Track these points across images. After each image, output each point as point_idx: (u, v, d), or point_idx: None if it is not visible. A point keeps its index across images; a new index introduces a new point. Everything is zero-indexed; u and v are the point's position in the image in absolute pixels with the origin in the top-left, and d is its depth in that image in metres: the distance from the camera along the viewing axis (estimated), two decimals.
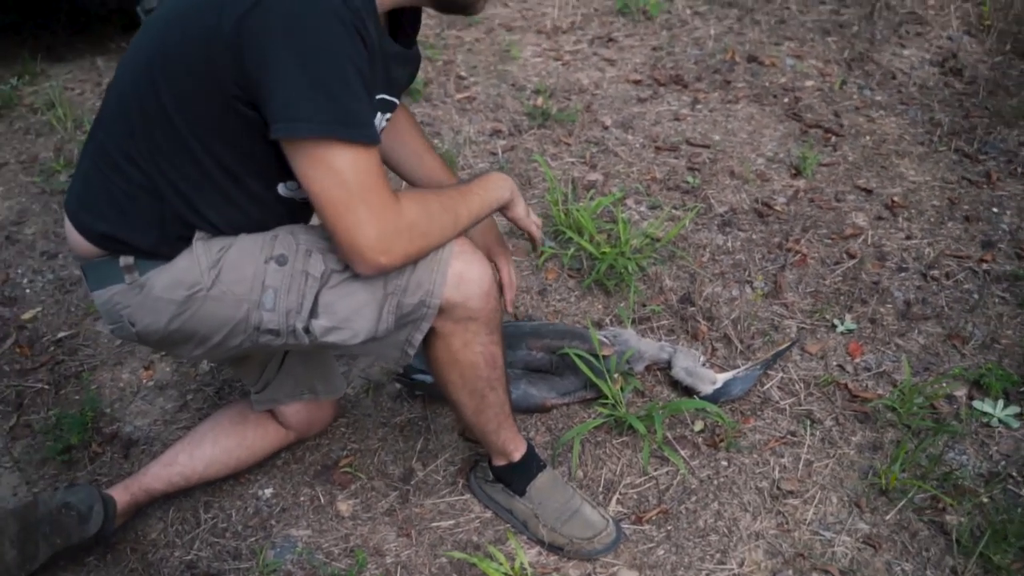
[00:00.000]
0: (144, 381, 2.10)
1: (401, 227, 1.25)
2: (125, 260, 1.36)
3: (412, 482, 1.81)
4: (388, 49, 1.31)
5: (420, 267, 1.35)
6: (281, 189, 1.38)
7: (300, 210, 1.45)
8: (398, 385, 2.03)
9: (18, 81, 3.56)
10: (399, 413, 1.98)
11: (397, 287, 1.36)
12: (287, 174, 1.29)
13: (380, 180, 1.23)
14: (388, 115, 1.39)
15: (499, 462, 1.68)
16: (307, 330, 1.37)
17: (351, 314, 1.36)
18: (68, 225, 1.41)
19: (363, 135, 1.19)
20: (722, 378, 1.92)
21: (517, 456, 1.66)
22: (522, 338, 1.96)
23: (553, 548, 1.65)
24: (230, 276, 1.36)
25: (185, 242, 1.36)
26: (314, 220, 1.46)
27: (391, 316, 1.37)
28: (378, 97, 1.31)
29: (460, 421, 1.63)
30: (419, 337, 1.42)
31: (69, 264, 2.50)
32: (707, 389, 1.90)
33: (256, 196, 1.37)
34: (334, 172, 1.18)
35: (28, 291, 2.41)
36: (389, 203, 1.23)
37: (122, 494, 1.63)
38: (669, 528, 1.69)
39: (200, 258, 1.35)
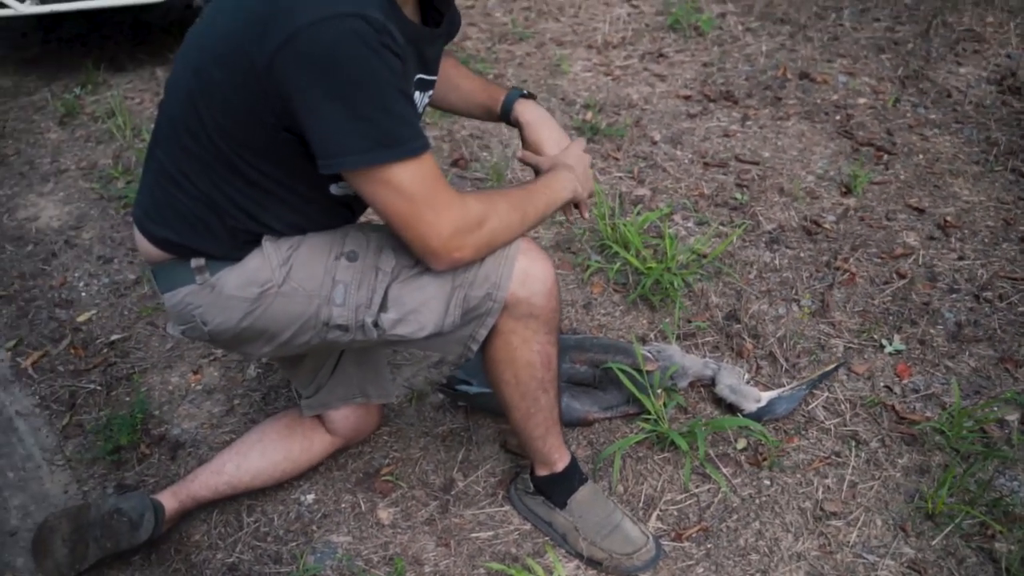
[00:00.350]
0: (192, 385, 2.14)
1: (470, 222, 1.31)
2: (196, 262, 1.40)
3: (452, 492, 1.82)
4: (418, 36, 1.34)
5: (488, 262, 1.39)
6: (333, 189, 1.41)
7: (357, 203, 1.49)
8: (441, 395, 2.05)
9: (81, 90, 3.68)
10: (441, 423, 1.99)
11: (465, 280, 1.39)
12: (336, 176, 1.34)
13: (438, 183, 1.27)
14: (429, 92, 1.45)
15: (541, 472, 1.68)
16: (376, 324, 1.40)
17: (419, 307, 1.39)
18: (136, 233, 1.45)
19: (410, 150, 1.22)
20: (766, 396, 1.90)
21: (560, 466, 1.66)
22: (566, 351, 1.97)
23: (592, 563, 1.64)
24: (301, 273, 1.40)
25: (254, 244, 1.40)
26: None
27: (458, 309, 1.40)
28: (416, 78, 1.36)
29: (510, 424, 1.63)
30: (483, 333, 1.44)
31: (124, 268, 2.57)
32: (751, 407, 1.88)
33: (311, 199, 1.40)
34: (392, 189, 1.24)
35: (84, 294, 2.48)
36: (454, 202, 1.29)
37: (170, 500, 1.67)
38: (709, 546, 1.68)
39: (271, 257, 1.39)
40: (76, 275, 2.56)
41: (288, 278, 1.39)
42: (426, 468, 1.88)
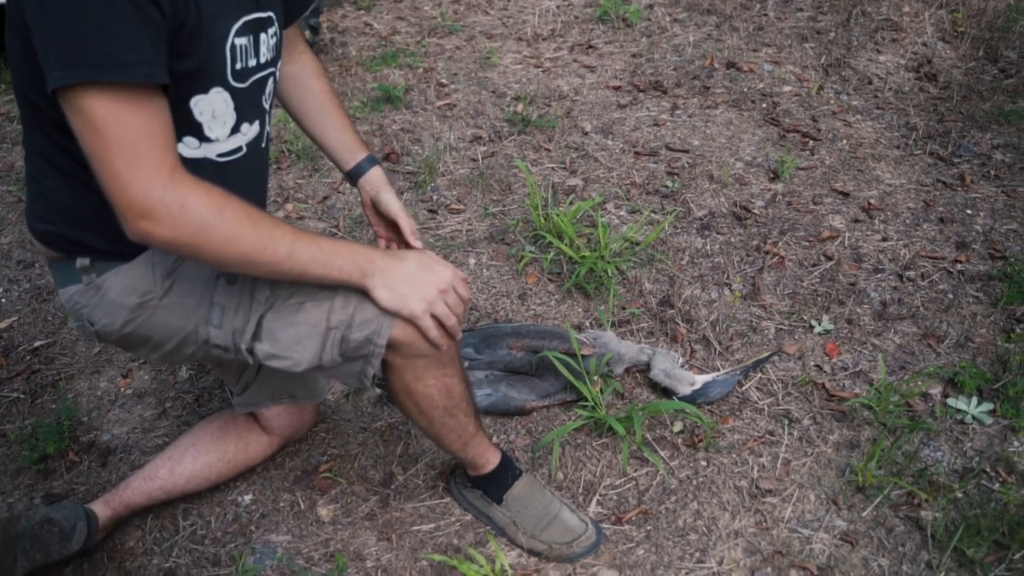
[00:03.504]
0: (122, 389, 2.09)
1: (170, 200, 1.07)
2: (81, 262, 1.34)
3: (392, 486, 1.81)
4: None
5: (365, 305, 1.30)
6: (183, 150, 1.25)
7: (232, 175, 1.33)
8: (378, 390, 2.03)
9: None
10: (379, 418, 1.97)
11: (341, 322, 1.31)
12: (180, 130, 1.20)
13: (151, 134, 1.07)
14: (273, 31, 1.31)
15: (474, 473, 1.68)
16: (251, 351, 1.36)
17: (292, 344, 1.34)
18: (30, 234, 1.41)
19: (116, 72, 1.02)
20: (700, 380, 1.93)
21: (489, 468, 1.65)
22: (502, 338, 1.97)
23: (533, 554, 1.65)
24: (183, 288, 1.35)
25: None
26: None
27: (335, 349, 1.33)
28: (242, 21, 1.23)
29: (437, 442, 1.61)
30: (371, 371, 1.37)
31: (46, 273, 2.48)
32: (685, 391, 1.91)
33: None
34: (84, 120, 1.03)
35: (3, 300, 2.40)
36: (162, 164, 1.07)
37: (103, 509, 1.63)
38: (649, 528, 1.70)
39: (156, 266, 1.34)
40: None
41: (170, 292, 1.35)
42: (365, 463, 1.86)
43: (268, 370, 1.66)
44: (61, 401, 2.04)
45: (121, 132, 1.04)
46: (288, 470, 1.85)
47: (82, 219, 1.30)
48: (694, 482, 1.79)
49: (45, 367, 2.16)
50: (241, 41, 1.25)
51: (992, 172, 2.79)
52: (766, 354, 2.05)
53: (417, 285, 1.29)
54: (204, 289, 1.35)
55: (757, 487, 1.77)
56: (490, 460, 1.65)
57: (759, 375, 2.03)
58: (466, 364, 1.91)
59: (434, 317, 1.31)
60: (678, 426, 1.91)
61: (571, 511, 1.68)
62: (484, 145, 3.00)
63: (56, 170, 1.26)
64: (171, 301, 1.35)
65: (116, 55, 1.01)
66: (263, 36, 1.30)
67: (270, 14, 1.32)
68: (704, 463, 1.82)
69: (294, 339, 1.34)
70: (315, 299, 1.32)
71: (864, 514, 1.70)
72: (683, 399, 1.90)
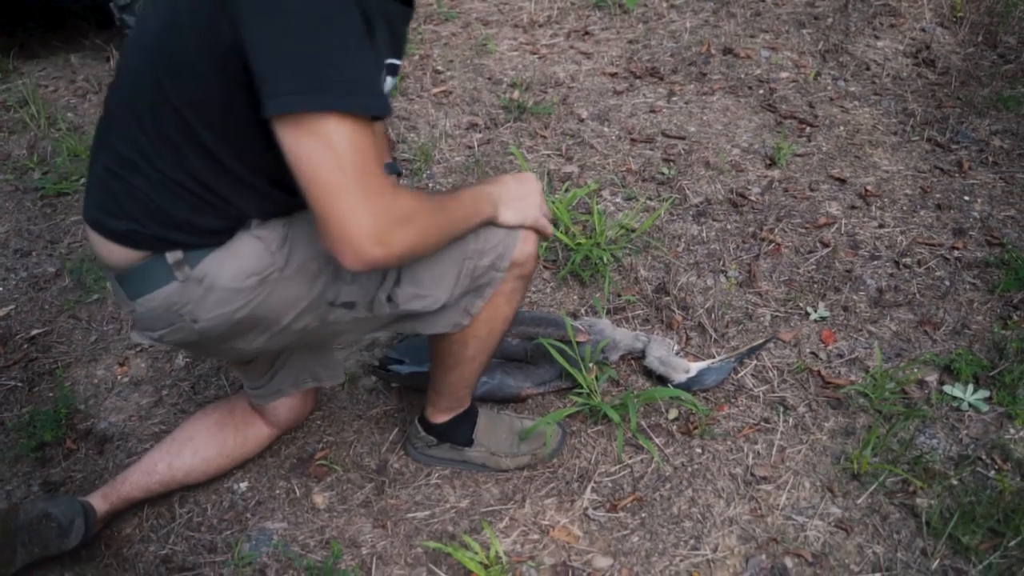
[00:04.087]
0: (119, 377, 2.09)
1: (397, 215, 1.10)
2: (173, 256, 1.26)
3: (387, 474, 1.81)
4: (392, 12, 1.22)
5: (490, 230, 1.40)
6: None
7: None
8: (373, 378, 2.03)
9: None
10: (375, 405, 1.98)
11: (474, 251, 1.39)
12: None
13: (377, 163, 1.08)
14: (395, 80, 1.31)
15: (444, 417, 1.72)
16: (390, 298, 1.36)
17: (435, 280, 1.38)
18: (93, 236, 1.30)
19: (361, 105, 1.04)
20: (695, 367, 1.93)
21: (462, 408, 1.73)
22: None
23: (520, 469, 1.79)
24: (303, 253, 1.30)
25: (230, 228, 1.28)
26: None
27: (466, 280, 1.40)
28: (387, 62, 1.21)
29: (448, 380, 1.64)
30: (480, 303, 1.46)
31: (43, 261, 2.48)
32: (680, 378, 1.91)
33: (284, 184, 1.18)
34: (324, 146, 1.02)
35: (1, 289, 2.39)
36: (385, 189, 1.09)
37: (101, 503, 1.63)
38: (643, 515, 1.70)
39: (266, 240, 1.28)
40: None
41: (290, 260, 1.29)
42: (360, 451, 1.87)
43: (297, 355, 1.65)
44: (58, 389, 2.04)
45: (361, 159, 1.04)
46: (284, 458, 1.86)
47: (173, 219, 1.24)
48: (689, 469, 1.79)
49: (42, 355, 2.16)
50: (389, 81, 1.26)
51: (990, 158, 2.78)
52: (761, 341, 2.05)
53: (525, 197, 1.45)
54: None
55: (752, 474, 1.77)
56: (466, 403, 1.74)
57: (754, 362, 2.03)
58: None
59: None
60: (673, 413, 1.92)
61: (530, 420, 1.83)
62: (480, 132, 2.99)
63: (160, 175, 1.21)
64: (293, 270, 1.30)
65: (363, 86, 1.04)
66: (390, 80, 1.27)
67: (400, 65, 1.33)
68: (699, 450, 1.83)
69: (436, 276, 1.37)
70: None
71: (859, 501, 1.70)
72: (678, 386, 1.90)
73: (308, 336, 1.44)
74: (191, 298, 1.28)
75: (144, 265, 1.27)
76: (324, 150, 1.02)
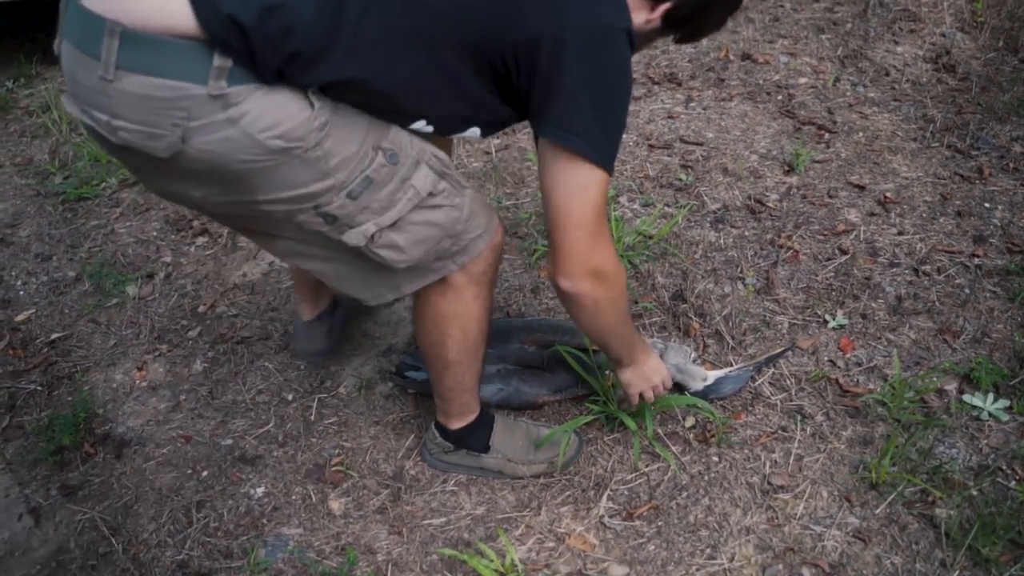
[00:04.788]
0: (137, 382, 2.11)
1: (609, 273, 1.38)
2: (222, 60, 1.10)
3: (404, 480, 1.81)
4: None
5: (475, 219, 1.42)
6: (421, 124, 1.33)
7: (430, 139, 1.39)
8: (390, 384, 2.04)
9: (13, 84, 3.58)
10: (391, 412, 1.98)
11: (458, 231, 1.40)
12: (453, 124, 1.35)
13: (606, 213, 1.37)
14: None
15: (459, 424, 1.73)
16: (373, 236, 1.32)
17: (416, 241, 1.36)
18: None
19: (611, 168, 1.30)
20: (713, 375, 1.92)
21: (472, 416, 1.73)
22: (514, 332, 1.97)
23: (537, 476, 1.79)
24: (333, 146, 1.22)
25: (291, 76, 1.16)
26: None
27: (432, 256, 1.41)
28: None
29: (443, 384, 1.65)
30: (413, 286, 1.45)
31: (63, 266, 2.51)
32: (697, 386, 1.90)
33: (403, 110, 1.29)
34: (587, 189, 1.28)
35: (22, 293, 2.42)
36: (612, 245, 1.40)
37: None
38: (660, 524, 1.70)
39: (316, 113, 1.18)
40: (13, 274, 2.50)
41: (318, 146, 1.20)
42: (377, 457, 1.87)
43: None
44: (77, 393, 2.06)
45: (600, 204, 1.31)
46: (300, 463, 1.86)
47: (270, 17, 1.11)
48: (706, 478, 1.78)
49: (62, 359, 2.18)
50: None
51: (1011, 165, 2.75)
52: (779, 350, 2.04)
53: (654, 374, 1.70)
54: (356, 155, 1.25)
55: (769, 483, 1.76)
56: (475, 408, 1.74)
57: (772, 370, 2.02)
58: None
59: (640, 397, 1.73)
60: (690, 421, 1.91)
61: (547, 427, 1.82)
62: (498, 138, 2.99)
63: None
64: (315, 156, 1.21)
65: (615, 155, 1.30)
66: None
67: None
68: (716, 458, 1.82)
69: (421, 237, 1.37)
70: (452, 203, 1.38)
71: (877, 511, 1.69)
72: (695, 394, 1.89)
73: (260, 222, 1.36)
74: (202, 115, 1.12)
75: (183, 45, 1.09)
76: (579, 187, 1.28)
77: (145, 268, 2.47)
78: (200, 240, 2.58)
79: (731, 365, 2.01)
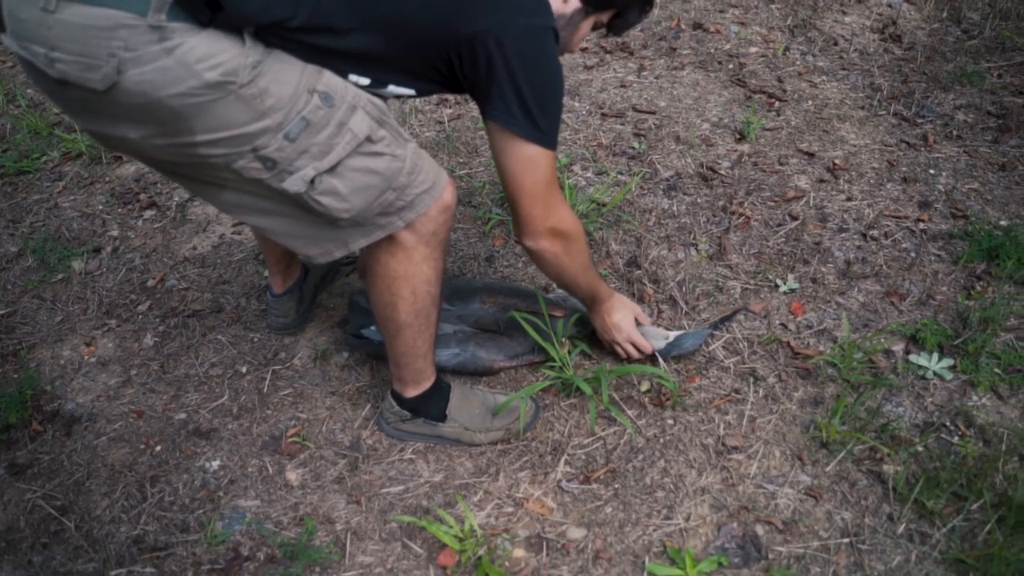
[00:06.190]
0: (86, 358, 2.06)
1: (570, 229, 1.60)
2: None
3: (361, 449, 1.81)
4: None
5: (424, 173, 1.44)
6: (355, 77, 1.38)
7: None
8: (346, 355, 2.02)
9: None
10: (347, 382, 1.97)
11: (401, 184, 1.40)
12: (386, 76, 1.41)
13: (557, 182, 1.56)
14: None
15: (414, 391, 1.73)
16: (312, 181, 1.31)
17: (356, 189, 1.36)
18: None
19: (554, 144, 1.49)
20: (673, 334, 1.94)
21: (429, 383, 1.74)
22: (475, 292, 1.97)
23: (494, 443, 1.81)
24: (267, 86, 1.23)
25: (225, 21, 1.18)
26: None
27: (377, 208, 1.40)
28: None
29: (395, 348, 1.66)
30: (362, 241, 1.45)
31: (4, 241, 2.44)
32: (660, 344, 1.91)
33: (324, 63, 1.32)
34: (536, 168, 1.48)
35: None
36: (564, 204, 1.59)
37: None
38: (617, 486, 1.72)
39: (249, 51, 1.20)
40: None
41: (252, 84, 1.21)
42: (333, 427, 1.86)
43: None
44: (23, 371, 2.01)
45: (548, 175, 1.50)
46: (256, 436, 1.85)
47: None
48: (661, 440, 1.80)
49: (6, 336, 2.13)
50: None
51: (955, 132, 2.81)
52: (733, 310, 2.07)
53: (626, 319, 1.87)
54: (292, 96, 1.26)
55: (723, 444, 1.79)
56: (431, 376, 1.74)
57: (725, 334, 2.04)
58: None
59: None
60: (645, 386, 1.93)
61: (503, 395, 1.85)
62: (450, 108, 2.97)
63: None
64: (249, 93, 1.22)
65: (556, 132, 1.48)
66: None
67: None
68: (671, 421, 1.84)
69: (362, 185, 1.36)
70: (394, 153, 1.38)
71: (828, 469, 1.73)
72: (659, 352, 1.90)
73: (201, 170, 1.35)
74: (138, 45, 1.13)
75: None
76: (529, 164, 1.48)
77: (91, 243, 2.41)
78: (148, 213, 2.52)
79: (685, 329, 2.03)
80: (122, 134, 1.26)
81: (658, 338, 1.91)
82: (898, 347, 2.00)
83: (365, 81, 1.39)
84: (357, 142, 1.33)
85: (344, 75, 1.35)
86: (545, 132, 1.45)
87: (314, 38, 1.28)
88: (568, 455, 1.78)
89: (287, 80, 1.26)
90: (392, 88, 1.43)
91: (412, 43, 1.37)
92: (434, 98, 3.01)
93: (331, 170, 1.32)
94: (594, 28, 1.63)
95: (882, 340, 2.01)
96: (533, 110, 1.41)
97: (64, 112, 1.41)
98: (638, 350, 1.89)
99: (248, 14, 1.20)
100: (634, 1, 1.59)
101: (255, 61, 1.21)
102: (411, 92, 1.46)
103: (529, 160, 1.47)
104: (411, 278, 1.53)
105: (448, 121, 2.88)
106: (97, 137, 1.35)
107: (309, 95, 1.28)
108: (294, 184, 1.31)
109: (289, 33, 1.25)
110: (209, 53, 1.17)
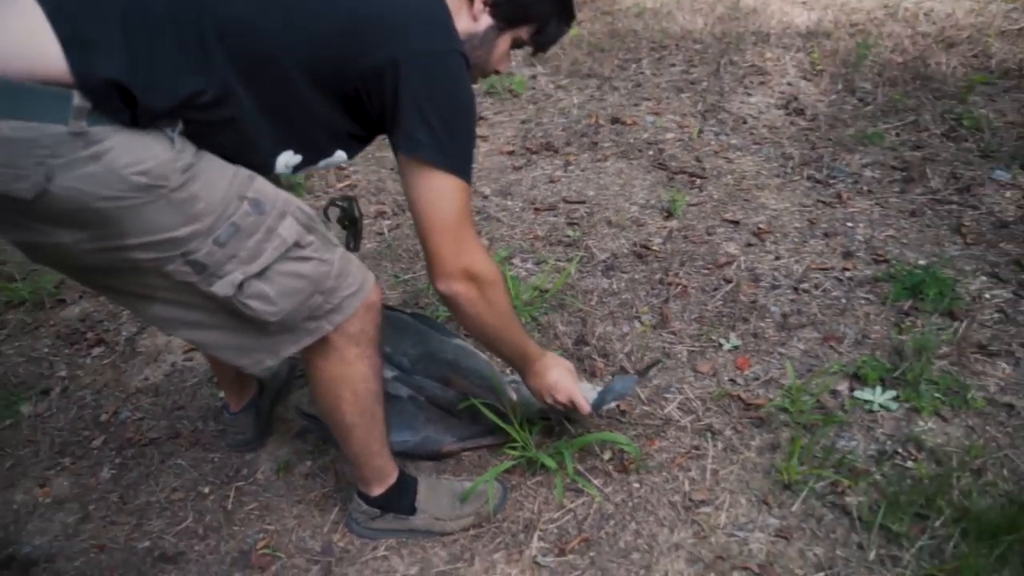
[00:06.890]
0: (40, 499, 2.02)
1: (486, 275, 1.50)
2: (82, 101, 1.12)
3: (333, 553, 1.79)
4: None
5: (349, 279, 1.44)
6: (281, 161, 1.40)
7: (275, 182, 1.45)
8: (308, 463, 2.02)
9: None
10: (312, 489, 1.96)
11: (326, 288, 1.40)
12: (312, 148, 1.42)
13: (472, 220, 1.49)
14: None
15: (379, 490, 1.72)
16: (241, 285, 1.31)
17: (289, 292, 1.36)
18: (44, 30, 1.14)
19: (468, 177, 1.42)
20: (598, 389, 1.93)
21: (396, 474, 1.73)
22: (443, 366, 1.95)
23: (466, 529, 1.79)
24: (197, 191, 1.24)
25: (153, 120, 1.20)
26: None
27: (304, 312, 1.40)
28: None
29: (348, 450, 1.65)
30: (291, 349, 1.44)
31: None
32: (592, 396, 1.88)
33: (252, 144, 1.34)
34: (448, 199, 1.41)
35: None
36: (482, 247, 1.51)
37: None
38: (592, 554, 1.72)
39: (179, 154, 1.22)
40: None
41: (183, 189, 1.22)
42: (303, 535, 1.84)
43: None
44: None
45: (459, 207, 1.42)
46: (224, 553, 1.81)
47: (140, 67, 1.17)
48: (630, 504, 1.82)
49: None
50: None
51: (865, 188, 2.99)
52: (654, 361, 2.16)
53: (559, 381, 1.78)
54: (222, 201, 1.27)
55: (690, 499, 1.82)
56: (392, 471, 1.73)
57: (679, 396, 2.09)
58: (394, 375, 1.92)
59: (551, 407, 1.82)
60: (607, 454, 1.96)
61: (469, 480, 1.84)
62: (388, 219, 3.06)
63: (191, 32, 1.23)
64: (180, 198, 1.22)
65: (471, 163, 1.42)
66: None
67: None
68: (637, 485, 1.87)
69: (290, 289, 1.36)
70: (321, 257, 1.39)
71: (794, 509, 1.76)
72: (593, 404, 1.88)
73: (131, 277, 1.33)
74: (64, 154, 1.13)
75: (44, 90, 1.12)
76: (440, 196, 1.41)
77: (39, 385, 2.39)
78: (96, 350, 2.52)
79: (638, 396, 2.08)
80: (55, 241, 1.24)
81: (589, 392, 1.91)
82: (842, 386, 2.07)
83: (297, 159, 1.42)
84: (286, 247, 1.34)
85: (275, 156, 1.39)
86: (453, 158, 1.39)
87: (232, 110, 1.28)
88: (540, 530, 1.79)
89: (218, 185, 1.27)
90: (323, 161, 1.46)
91: (321, 84, 1.34)
92: (372, 210, 3.11)
93: (260, 274, 1.33)
94: (516, 46, 1.60)
95: (826, 381, 2.08)
96: (439, 134, 1.36)
97: None
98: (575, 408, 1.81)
99: (162, 92, 1.19)
100: (551, 13, 1.56)
101: (185, 164, 1.22)
102: (343, 156, 1.47)
103: (437, 191, 1.40)
104: (348, 379, 1.52)
105: (388, 232, 2.97)
106: (26, 249, 1.33)
107: (239, 201, 1.29)
108: (223, 288, 1.31)
109: (207, 112, 1.25)
110: (138, 158, 1.17)
